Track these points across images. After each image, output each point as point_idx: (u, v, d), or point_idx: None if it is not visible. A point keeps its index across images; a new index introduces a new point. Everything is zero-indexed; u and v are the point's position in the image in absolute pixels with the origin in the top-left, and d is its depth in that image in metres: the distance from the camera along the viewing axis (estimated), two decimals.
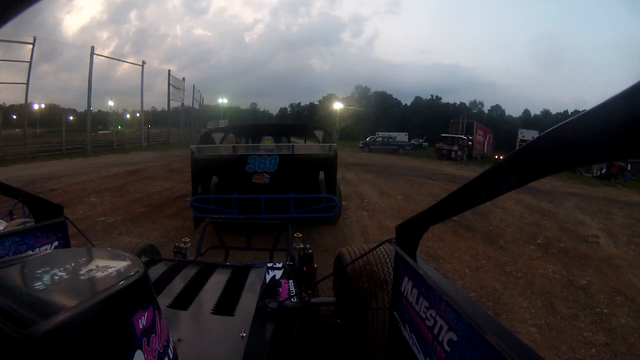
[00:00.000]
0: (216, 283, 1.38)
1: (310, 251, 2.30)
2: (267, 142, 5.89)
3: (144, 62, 23.75)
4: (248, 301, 1.24)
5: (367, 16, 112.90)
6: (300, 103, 63.64)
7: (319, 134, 5.47)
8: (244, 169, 4.39)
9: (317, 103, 57.57)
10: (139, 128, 25.22)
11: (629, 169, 18.97)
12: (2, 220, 2.84)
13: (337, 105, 43.41)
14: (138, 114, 26.66)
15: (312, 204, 4.34)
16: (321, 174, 5.00)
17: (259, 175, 4.44)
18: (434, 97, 55.29)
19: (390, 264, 1.85)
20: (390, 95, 55.40)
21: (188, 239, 2.35)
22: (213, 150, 4.69)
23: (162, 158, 15.40)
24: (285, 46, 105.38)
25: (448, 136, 26.71)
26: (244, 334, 1.01)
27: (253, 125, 9.29)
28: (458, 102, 54.81)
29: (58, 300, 0.60)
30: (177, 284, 1.32)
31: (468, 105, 54.49)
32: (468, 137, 26.63)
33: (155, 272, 1.45)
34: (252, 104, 69.23)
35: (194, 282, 1.36)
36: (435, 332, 0.99)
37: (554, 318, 2.92)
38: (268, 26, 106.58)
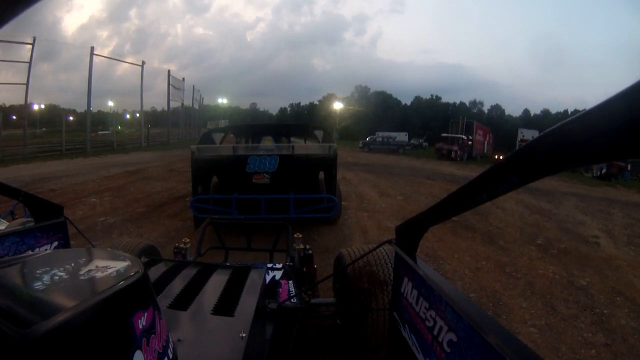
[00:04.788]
0: (216, 283, 1.37)
1: (310, 252, 2.30)
2: (267, 142, 5.88)
3: (143, 62, 23.79)
4: (248, 302, 1.23)
5: (371, 15, 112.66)
6: (300, 103, 63.62)
7: (318, 134, 5.47)
8: (244, 169, 4.39)
9: (317, 103, 57.51)
10: (139, 128, 25.22)
11: (629, 169, 18.95)
12: (3, 220, 2.85)
13: (337, 105, 43.35)
14: (138, 114, 26.68)
15: (312, 204, 4.34)
16: (321, 174, 5.00)
17: (259, 175, 4.44)
18: (434, 97, 55.21)
19: (390, 264, 1.85)
20: (390, 95, 55.32)
21: (188, 240, 2.35)
22: (213, 150, 4.68)
23: (162, 158, 15.39)
24: (287, 45, 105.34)
25: (448, 136, 26.70)
26: (244, 335, 1.01)
27: (253, 126, 9.30)
28: (458, 102, 54.78)
29: (58, 300, 0.60)
30: (177, 285, 1.32)
31: (468, 105, 54.38)
32: (468, 137, 26.64)
33: (155, 272, 1.44)
34: (252, 104, 69.27)
35: (194, 283, 1.35)
36: (435, 332, 0.99)
37: (554, 319, 2.92)
38: (270, 25, 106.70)
